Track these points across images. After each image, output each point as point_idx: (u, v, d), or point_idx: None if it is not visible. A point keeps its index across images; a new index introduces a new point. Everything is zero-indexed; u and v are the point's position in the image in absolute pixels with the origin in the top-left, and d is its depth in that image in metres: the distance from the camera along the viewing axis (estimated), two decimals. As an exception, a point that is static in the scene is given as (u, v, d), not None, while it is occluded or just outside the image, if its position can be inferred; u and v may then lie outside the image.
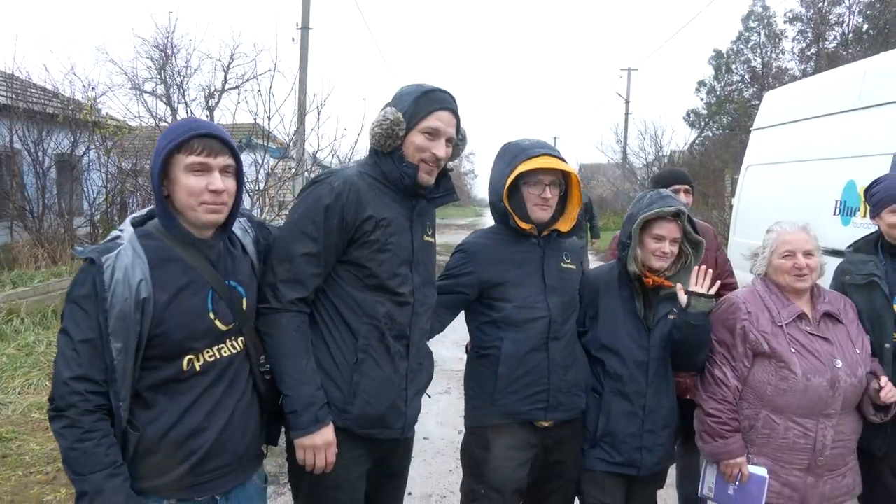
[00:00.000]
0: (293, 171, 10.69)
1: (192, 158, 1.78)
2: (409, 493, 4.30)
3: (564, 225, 2.64)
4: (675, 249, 2.63)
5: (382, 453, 2.29)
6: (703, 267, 2.60)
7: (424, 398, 2.43)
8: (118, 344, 1.68)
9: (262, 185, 9.72)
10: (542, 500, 2.72)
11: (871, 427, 2.65)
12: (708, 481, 2.73)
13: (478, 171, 67.54)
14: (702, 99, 26.82)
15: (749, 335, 2.57)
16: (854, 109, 4.98)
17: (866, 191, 2.97)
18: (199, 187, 1.79)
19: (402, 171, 2.18)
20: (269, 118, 9.67)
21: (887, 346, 2.64)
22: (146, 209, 1.91)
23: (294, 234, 2.10)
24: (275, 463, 4.21)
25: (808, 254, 2.58)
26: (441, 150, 2.20)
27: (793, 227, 2.65)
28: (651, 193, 2.69)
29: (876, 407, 2.54)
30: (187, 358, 1.80)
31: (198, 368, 1.82)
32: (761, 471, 2.54)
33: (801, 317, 2.58)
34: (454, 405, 5.56)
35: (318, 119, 10.05)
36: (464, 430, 2.73)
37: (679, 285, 2.62)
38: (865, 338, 2.61)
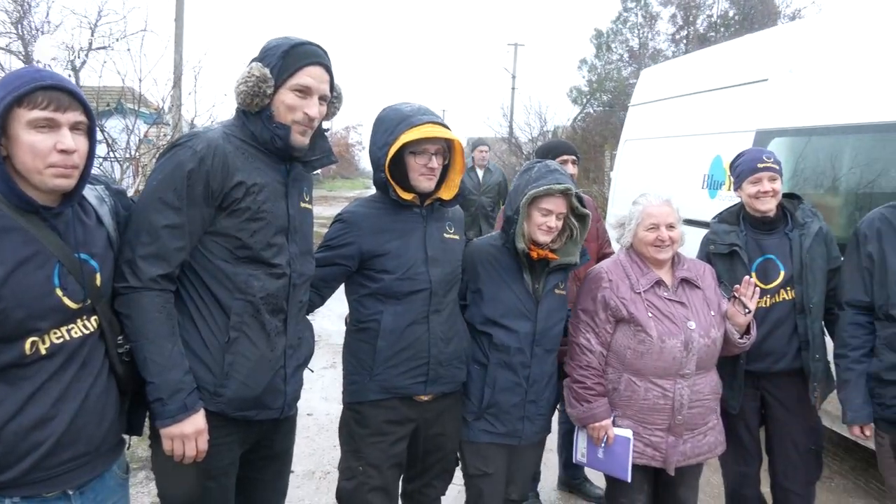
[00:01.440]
0: (169, 137, 10.07)
1: (37, 113, 1.57)
2: (292, 472, 4.18)
3: (447, 193, 2.57)
4: (560, 224, 2.63)
5: (261, 435, 2.18)
6: None
7: (308, 373, 2.33)
8: None
9: (133, 153, 9.08)
10: (422, 474, 2.71)
11: (726, 386, 2.83)
12: (580, 446, 2.82)
13: (365, 142, 66.37)
14: (584, 76, 27.70)
15: (610, 302, 2.67)
16: (720, 88, 5.29)
17: (730, 165, 3.13)
18: (45, 147, 1.58)
19: (273, 133, 2.03)
20: (141, 80, 9.03)
21: (747, 311, 2.80)
22: None
23: (153, 205, 1.91)
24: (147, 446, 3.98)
25: (670, 226, 2.70)
26: (314, 109, 2.05)
27: (657, 199, 2.76)
28: (539, 166, 2.65)
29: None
30: (30, 340, 1.61)
31: (43, 351, 1.63)
32: (626, 432, 2.65)
33: (659, 283, 2.70)
34: (339, 380, 5.41)
35: (196, 83, 9.51)
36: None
37: None
38: (722, 301, 2.76)
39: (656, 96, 6.37)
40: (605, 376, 2.71)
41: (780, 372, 2.91)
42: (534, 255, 2.61)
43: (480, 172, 8.42)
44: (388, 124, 2.44)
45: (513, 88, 30.41)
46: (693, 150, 5.39)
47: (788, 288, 2.89)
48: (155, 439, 1.99)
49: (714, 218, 3.17)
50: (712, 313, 2.69)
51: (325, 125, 2.21)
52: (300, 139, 2.07)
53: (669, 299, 2.68)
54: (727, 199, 4.62)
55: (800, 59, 4.51)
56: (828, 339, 2.92)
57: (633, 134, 6.68)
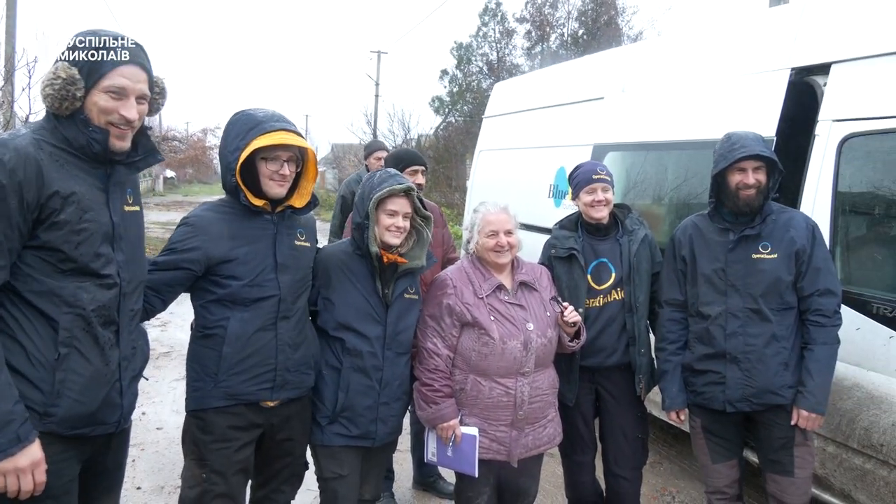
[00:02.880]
0: (-3, 136, 9.21)
1: None
2: (139, 488, 4.03)
3: (299, 201, 2.59)
4: (408, 225, 2.74)
5: (94, 450, 2.07)
6: None
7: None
8: None
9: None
10: (270, 479, 2.70)
11: (563, 381, 3.06)
12: (431, 447, 2.93)
13: (224, 146, 63.70)
14: (445, 87, 28.36)
15: (455, 308, 2.81)
16: (564, 104, 5.65)
17: (569, 176, 3.37)
18: None
19: (90, 137, 1.90)
20: (-37, 73, 8.24)
21: (580, 310, 3.05)
22: None
23: None
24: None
25: (508, 232, 2.88)
26: (131, 111, 1.94)
27: (495, 208, 2.93)
28: (380, 173, 2.76)
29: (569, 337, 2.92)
30: None
31: None
32: (472, 430, 2.79)
33: (500, 288, 2.87)
34: (192, 392, 5.27)
35: (31, 77, 8.81)
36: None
37: None
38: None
39: (508, 109, 6.69)
40: (452, 377, 2.83)
41: (611, 366, 3.18)
42: (385, 259, 2.70)
43: None
44: (241, 129, 2.42)
45: (376, 95, 30.60)
46: (540, 162, 5.71)
47: (619, 289, 3.16)
48: None
49: (556, 225, 3.40)
50: (548, 314, 2.90)
51: (149, 122, 2.10)
52: (119, 143, 1.96)
53: (510, 302, 2.85)
54: (570, 207, 4.92)
55: (631, 79, 4.93)
56: (652, 336, 3.23)
57: (487, 144, 6.96)
